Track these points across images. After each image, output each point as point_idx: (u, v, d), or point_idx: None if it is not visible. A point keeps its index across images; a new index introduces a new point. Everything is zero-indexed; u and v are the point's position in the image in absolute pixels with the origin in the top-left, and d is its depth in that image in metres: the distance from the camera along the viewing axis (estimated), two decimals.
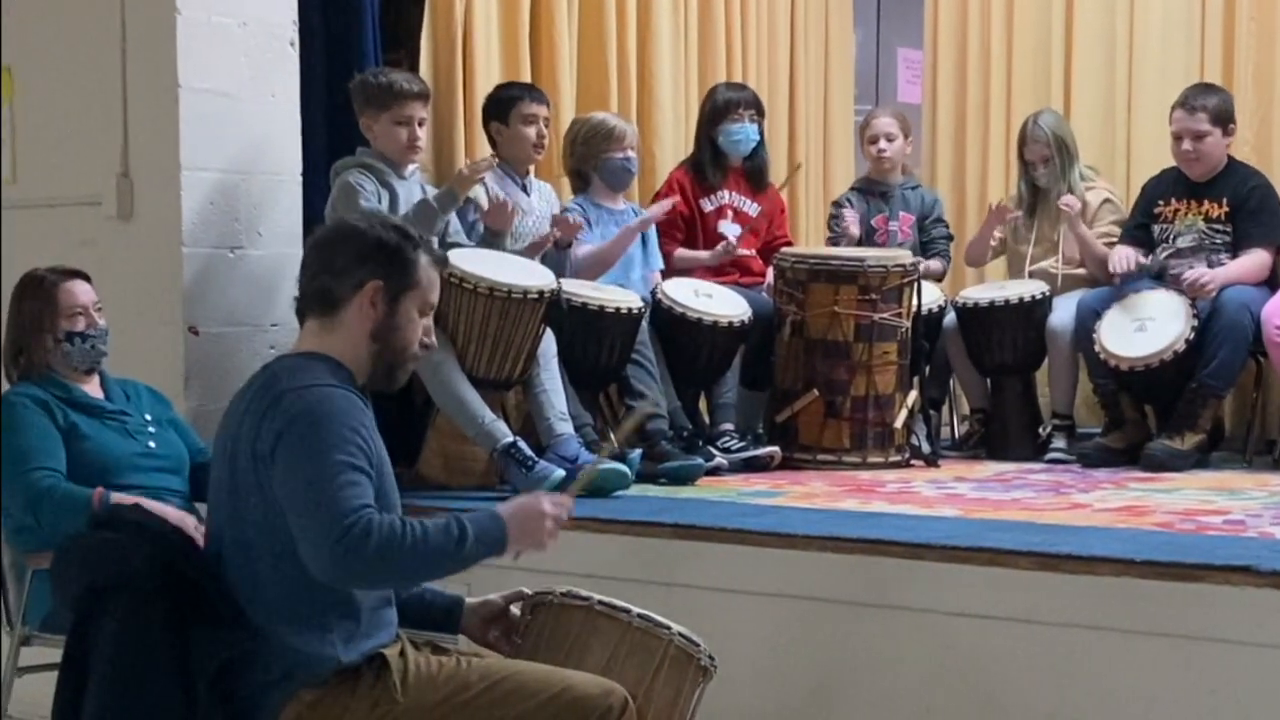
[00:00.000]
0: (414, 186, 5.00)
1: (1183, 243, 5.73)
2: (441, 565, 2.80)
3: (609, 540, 4.13)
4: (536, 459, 4.70)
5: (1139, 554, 3.45)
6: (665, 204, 5.73)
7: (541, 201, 5.50)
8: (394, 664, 2.82)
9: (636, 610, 3.02)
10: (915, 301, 5.61)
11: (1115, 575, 3.39)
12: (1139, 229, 5.87)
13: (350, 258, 2.88)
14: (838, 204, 6.40)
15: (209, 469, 2.98)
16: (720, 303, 5.54)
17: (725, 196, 5.96)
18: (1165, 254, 5.76)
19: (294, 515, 2.70)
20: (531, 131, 5.36)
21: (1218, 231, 5.71)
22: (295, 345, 2.96)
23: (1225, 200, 5.70)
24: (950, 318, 6.02)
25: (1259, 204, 5.68)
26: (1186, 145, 5.71)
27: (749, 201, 5.98)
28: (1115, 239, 5.95)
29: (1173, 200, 5.80)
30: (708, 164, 5.92)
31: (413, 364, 2.98)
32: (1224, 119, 5.71)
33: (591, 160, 5.62)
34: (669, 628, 3.01)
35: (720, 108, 5.91)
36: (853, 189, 6.43)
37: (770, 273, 5.83)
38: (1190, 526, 4.05)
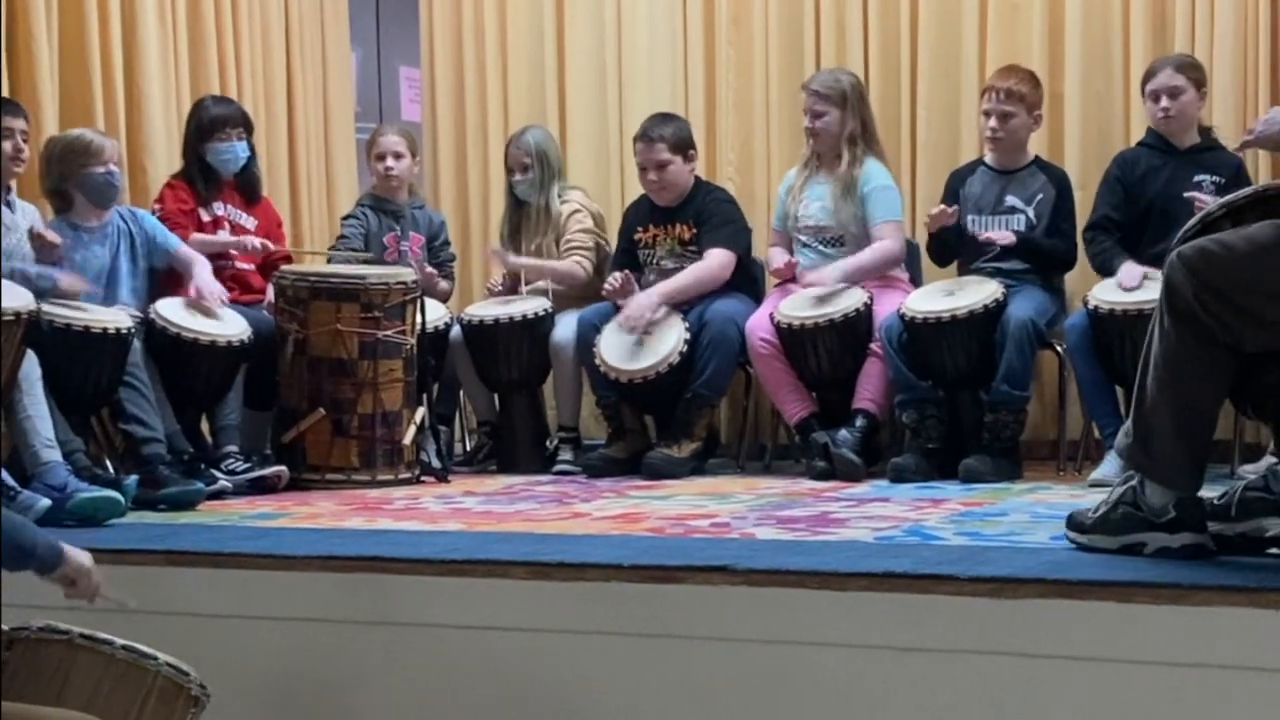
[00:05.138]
0: None
1: (667, 264, 5.97)
2: (18, 551, 2.77)
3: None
4: (20, 489, 4.49)
5: (626, 559, 3.57)
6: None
7: (25, 220, 5.22)
8: None
9: (120, 642, 2.92)
10: (420, 318, 5.64)
11: (604, 580, 3.49)
12: (624, 254, 6.09)
13: None
14: (348, 218, 6.33)
15: None
16: (218, 321, 5.40)
17: (221, 209, 5.85)
18: (653, 276, 5.97)
19: None
20: (8, 145, 5.08)
21: (692, 253, 5.95)
22: None
23: (692, 222, 5.95)
24: (456, 332, 6.08)
25: (710, 212, 5.93)
26: (651, 176, 5.95)
27: (244, 215, 5.90)
28: (578, 244, 6.15)
29: (650, 227, 6.03)
30: (198, 178, 5.82)
31: None
32: (683, 146, 5.96)
33: (71, 177, 5.38)
34: (155, 658, 2.93)
35: (207, 126, 5.80)
36: (362, 205, 6.36)
37: (270, 290, 5.74)
38: (679, 530, 4.22)
